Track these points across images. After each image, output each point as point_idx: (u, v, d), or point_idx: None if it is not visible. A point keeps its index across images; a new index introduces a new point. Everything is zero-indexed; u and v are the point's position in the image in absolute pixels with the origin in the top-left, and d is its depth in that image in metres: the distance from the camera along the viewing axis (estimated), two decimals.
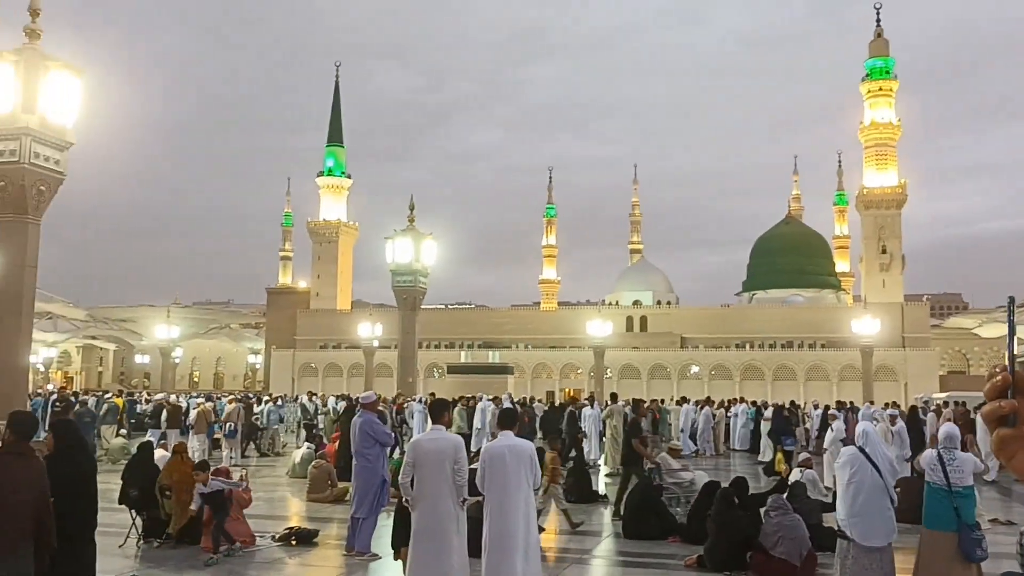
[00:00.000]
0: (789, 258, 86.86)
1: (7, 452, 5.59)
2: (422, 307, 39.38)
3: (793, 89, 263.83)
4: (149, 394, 34.98)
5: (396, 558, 8.44)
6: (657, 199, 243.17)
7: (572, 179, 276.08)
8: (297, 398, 35.15)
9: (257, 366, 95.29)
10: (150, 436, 22.32)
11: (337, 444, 17.93)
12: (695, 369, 74.50)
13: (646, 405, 21.52)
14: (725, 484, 11.39)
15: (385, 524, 10.36)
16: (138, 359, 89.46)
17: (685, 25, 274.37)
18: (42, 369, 70.43)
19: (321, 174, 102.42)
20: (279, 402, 28.23)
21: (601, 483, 18.36)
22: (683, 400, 31.21)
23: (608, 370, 64.49)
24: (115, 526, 10.80)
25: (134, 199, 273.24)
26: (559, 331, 79.64)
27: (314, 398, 30.38)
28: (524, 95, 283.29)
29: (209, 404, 24.34)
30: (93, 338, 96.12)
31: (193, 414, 22.60)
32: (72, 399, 27.47)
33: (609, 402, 21.89)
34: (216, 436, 22.58)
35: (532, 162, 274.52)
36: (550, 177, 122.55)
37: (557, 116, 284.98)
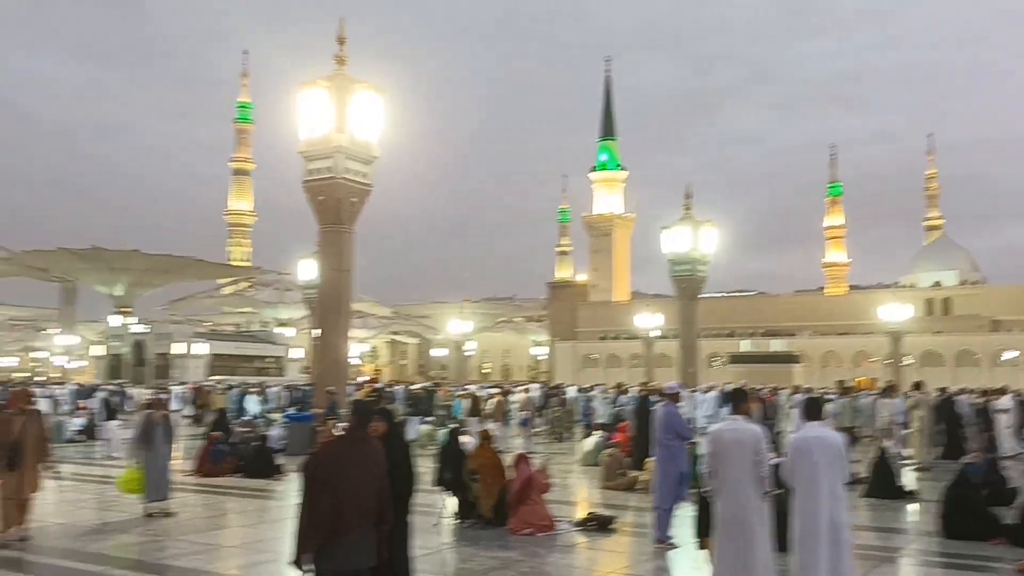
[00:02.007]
0: None
1: (352, 438, 6.24)
2: (701, 295, 38.84)
3: None
4: (409, 385, 37.76)
5: (699, 548, 8.44)
6: (954, 171, 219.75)
7: (851, 155, 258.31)
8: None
9: (540, 358, 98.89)
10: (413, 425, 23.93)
11: (628, 433, 18.22)
12: (1010, 354, 66.93)
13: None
14: None
15: (682, 514, 10.38)
16: (435, 352, 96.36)
17: None
18: (356, 362, 77.99)
19: (594, 169, 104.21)
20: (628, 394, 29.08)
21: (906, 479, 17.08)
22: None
23: (907, 357, 59.78)
24: (429, 507, 11.74)
25: (429, 205, 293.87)
26: (849, 317, 75.02)
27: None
28: (795, 73, 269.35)
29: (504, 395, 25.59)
30: (396, 334, 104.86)
31: (491, 403, 23.95)
32: (383, 389, 30.25)
33: (915, 391, 20.34)
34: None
35: (807, 141, 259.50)
36: (832, 154, 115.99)
37: (831, 91, 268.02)
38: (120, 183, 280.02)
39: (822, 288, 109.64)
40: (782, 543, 7.10)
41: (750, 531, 6.92)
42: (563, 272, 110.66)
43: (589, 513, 11.96)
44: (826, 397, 24.29)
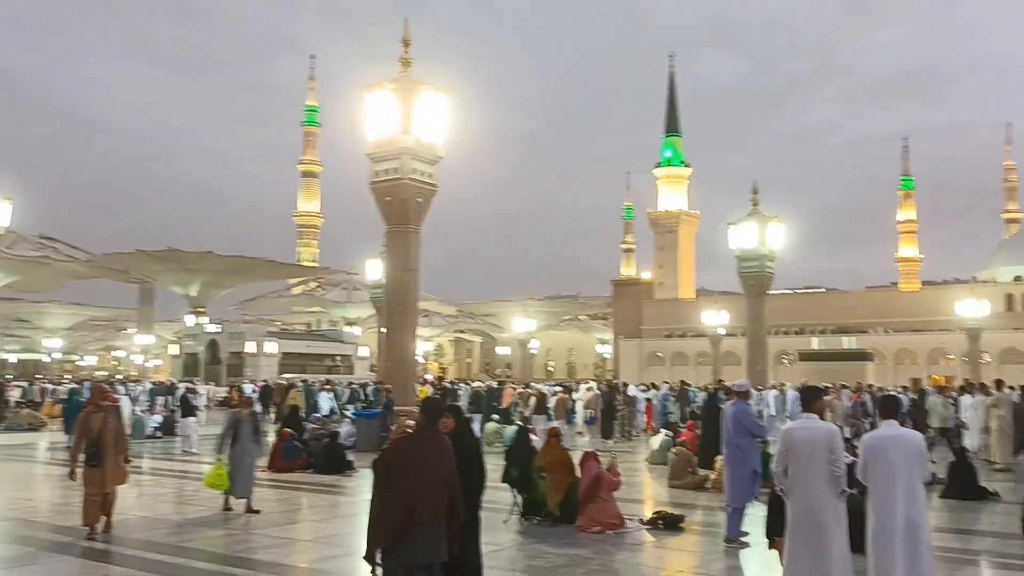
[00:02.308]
0: None
1: (422, 435, 6.30)
2: (769, 292, 38.21)
3: None
4: (472, 382, 38.11)
5: (771, 547, 8.32)
6: None
7: (922, 148, 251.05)
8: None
9: (605, 355, 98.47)
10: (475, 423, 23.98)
11: (696, 432, 18.06)
12: None
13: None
14: None
15: (752, 513, 10.25)
16: (500, 350, 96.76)
17: None
18: (421, 361, 78.79)
19: (659, 165, 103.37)
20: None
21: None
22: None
23: (985, 354, 57.92)
24: (498, 503, 11.80)
25: (493, 205, 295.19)
26: (923, 313, 72.90)
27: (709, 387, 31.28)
28: (862, 66, 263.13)
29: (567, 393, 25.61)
30: (461, 332, 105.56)
31: (553, 401, 23.98)
32: (449, 387, 30.49)
33: (995, 390, 19.75)
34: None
35: (876, 135, 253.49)
36: (905, 147, 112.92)
37: (901, 84, 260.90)
38: (190, 188, 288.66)
39: (894, 284, 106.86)
40: (858, 543, 6.95)
41: (824, 530, 6.79)
42: (628, 269, 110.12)
43: (658, 512, 11.88)
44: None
